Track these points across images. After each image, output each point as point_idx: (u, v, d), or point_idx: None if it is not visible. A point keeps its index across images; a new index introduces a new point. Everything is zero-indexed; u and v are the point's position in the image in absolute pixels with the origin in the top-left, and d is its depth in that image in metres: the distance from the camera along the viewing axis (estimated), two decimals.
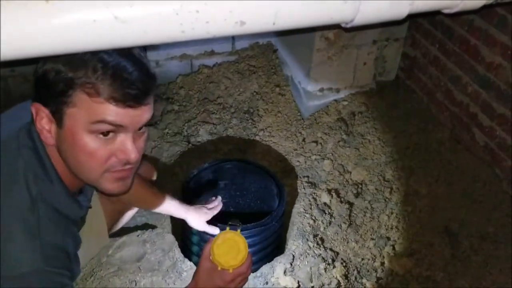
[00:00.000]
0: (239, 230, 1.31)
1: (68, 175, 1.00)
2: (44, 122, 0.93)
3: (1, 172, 0.93)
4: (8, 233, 0.90)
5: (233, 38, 2.60)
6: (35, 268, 0.90)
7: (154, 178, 1.71)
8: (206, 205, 1.69)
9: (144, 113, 0.92)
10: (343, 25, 1.11)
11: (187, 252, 1.80)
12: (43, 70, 0.89)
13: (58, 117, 0.91)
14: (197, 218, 1.62)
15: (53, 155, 0.97)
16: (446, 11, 1.23)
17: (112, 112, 0.87)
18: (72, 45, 0.84)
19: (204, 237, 1.68)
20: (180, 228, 1.86)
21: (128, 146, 0.92)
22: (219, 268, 1.23)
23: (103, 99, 0.86)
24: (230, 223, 1.65)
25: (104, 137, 0.90)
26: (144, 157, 1.79)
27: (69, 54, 0.86)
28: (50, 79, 0.88)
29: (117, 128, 0.90)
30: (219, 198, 1.74)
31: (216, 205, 1.69)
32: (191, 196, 1.83)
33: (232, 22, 0.93)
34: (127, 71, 0.87)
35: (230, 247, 1.26)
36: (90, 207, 1.20)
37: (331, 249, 1.84)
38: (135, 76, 0.88)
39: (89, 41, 0.85)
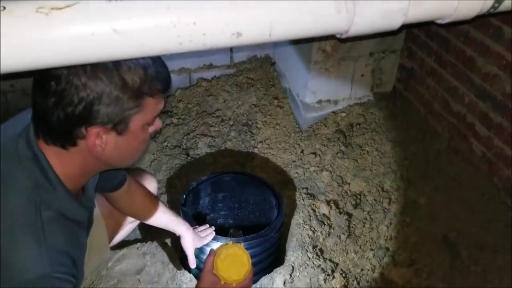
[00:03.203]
0: (242, 244, 1.32)
1: (72, 178, 1.01)
2: (98, 140, 0.94)
3: (4, 176, 0.94)
4: (13, 240, 0.90)
5: (231, 51, 2.62)
6: (42, 274, 0.90)
7: (155, 189, 1.72)
8: (200, 231, 1.68)
9: None
10: (338, 36, 1.12)
11: (186, 264, 1.80)
12: (95, 96, 0.88)
13: (121, 127, 0.94)
14: (191, 242, 1.62)
15: (56, 161, 0.97)
16: (439, 21, 1.24)
17: (164, 99, 1.02)
18: (71, 57, 0.85)
19: (204, 250, 1.68)
20: (179, 240, 1.86)
21: (159, 119, 1.06)
22: (222, 282, 1.24)
23: (162, 93, 0.98)
24: (231, 232, 1.65)
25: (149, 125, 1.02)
26: (144, 170, 1.81)
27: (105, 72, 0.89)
28: (112, 101, 0.90)
29: None
30: (212, 228, 1.72)
31: (207, 234, 1.68)
32: (190, 209, 1.83)
33: (228, 34, 0.94)
34: (160, 64, 0.97)
35: (234, 262, 1.28)
36: (94, 206, 1.21)
37: (330, 260, 1.84)
38: (163, 67, 0.99)
39: (87, 53, 0.86)
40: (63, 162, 0.98)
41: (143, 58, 0.93)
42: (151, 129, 1.03)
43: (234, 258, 1.28)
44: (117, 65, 0.90)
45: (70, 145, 0.95)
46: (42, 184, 0.96)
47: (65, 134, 0.93)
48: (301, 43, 2.32)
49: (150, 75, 0.93)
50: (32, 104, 0.95)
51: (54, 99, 0.89)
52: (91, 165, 1.02)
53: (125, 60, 0.91)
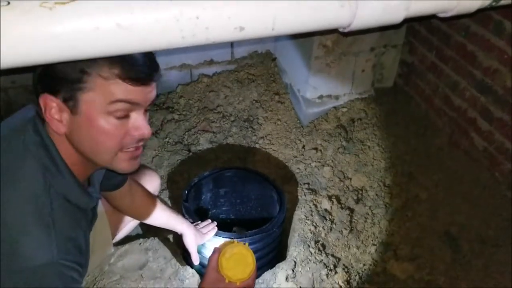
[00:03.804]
0: (247, 244, 1.32)
1: (77, 167, 1.01)
2: (54, 112, 0.94)
3: (10, 166, 0.94)
4: (23, 226, 0.91)
5: (232, 47, 2.62)
6: (50, 261, 0.91)
7: (158, 186, 1.72)
8: (201, 227, 1.69)
9: (153, 89, 0.99)
10: (340, 29, 1.12)
11: (189, 260, 1.80)
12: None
13: (71, 104, 0.93)
14: (193, 239, 1.62)
15: (62, 147, 0.98)
16: (441, 15, 1.24)
17: (128, 90, 0.93)
18: (75, 52, 0.86)
19: (206, 245, 1.69)
20: (181, 236, 1.86)
21: (142, 123, 0.98)
22: (226, 281, 1.25)
23: (119, 79, 0.91)
24: (234, 229, 1.66)
25: (119, 120, 0.95)
26: (146, 167, 1.81)
27: None
28: (61, 69, 0.90)
29: (132, 106, 0.96)
30: (214, 224, 1.72)
31: (209, 230, 1.69)
32: (192, 204, 1.84)
33: (231, 28, 0.95)
34: (139, 53, 0.94)
35: (239, 261, 1.28)
36: (100, 198, 1.21)
37: (332, 255, 1.85)
38: (142, 57, 0.95)
39: (91, 48, 0.86)
40: (65, 149, 0.99)
41: None
42: (134, 132, 0.98)
43: (239, 257, 1.29)
44: None
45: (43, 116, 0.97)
46: (50, 168, 0.96)
47: (37, 103, 0.96)
48: (302, 38, 2.32)
49: (116, 57, 0.91)
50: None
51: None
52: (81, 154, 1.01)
53: None
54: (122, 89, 0.92)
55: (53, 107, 0.94)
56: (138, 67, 0.93)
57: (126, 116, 0.96)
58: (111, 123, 0.94)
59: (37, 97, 0.95)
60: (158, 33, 0.90)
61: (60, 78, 0.91)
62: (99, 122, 0.94)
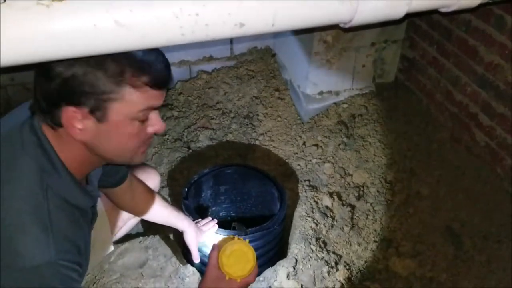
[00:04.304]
0: (247, 241, 1.32)
1: (76, 166, 1.00)
2: (77, 123, 0.93)
3: (7, 166, 0.93)
4: (21, 225, 0.90)
5: (231, 43, 2.61)
6: (48, 261, 0.90)
7: (158, 183, 1.72)
8: (202, 225, 1.68)
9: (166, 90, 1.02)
10: (341, 25, 1.11)
11: (189, 258, 1.79)
12: (73, 73, 0.88)
13: (99, 114, 0.93)
14: (194, 237, 1.62)
15: (60, 147, 0.97)
16: (443, 10, 1.23)
17: (154, 96, 0.96)
18: (73, 49, 0.84)
19: (207, 243, 1.68)
20: (182, 234, 1.85)
21: (160, 121, 1.03)
22: (227, 278, 1.24)
23: (147, 87, 0.93)
24: (234, 225, 1.64)
25: (141, 122, 0.98)
26: (146, 164, 1.80)
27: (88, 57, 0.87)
28: (89, 81, 0.89)
29: (156, 109, 1.00)
30: (214, 221, 1.72)
31: (210, 228, 1.68)
32: (192, 202, 1.83)
33: (231, 24, 0.93)
34: (156, 60, 0.95)
35: (239, 258, 1.27)
36: (99, 196, 1.21)
37: (334, 252, 1.84)
38: (161, 62, 0.96)
39: (89, 45, 0.85)
40: (61, 147, 0.98)
41: (144, 51, 0.92)
42: (150, 129, 1.01)
43: (240, 254, 1.28)
44: None
45: (56, 124, 0.95)
46: (47, 169, 0.95)
47: (49, 111, 0.93)
48: (302, 34, 2.31)
49: (137, 65, 0.91)
50: (34, 88, 0.96)
51: (38, 74, 0.91)
52: (87, 155, 1.01)
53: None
54: (149, 96, 0.95)
55: (76, 118, 0.93)
56: (162, 73, 0.96)
57: (147, 118, 1.00)
58: (135, 126, 0.98)
59: (49, 107, 0.93)
60: (157, 30, 0.89)
61: (88, 91, 0.90)
62: (127, 128, 0.97)
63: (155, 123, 1.02)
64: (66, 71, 0.88)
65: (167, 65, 0.98)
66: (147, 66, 0.93)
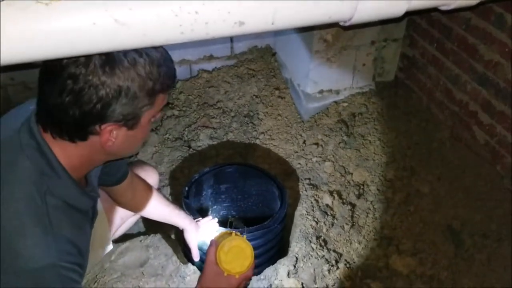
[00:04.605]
0: (245, 236, 1.32)
1: (76, 168, 1.01)
2: (111, 136, 0.95)
3: (6, 170, 0.93)
4: (21, 227, 0.90)
5: (231, 42, 2.60)
6: (49, 263, 0.90)
7: (157, 181, 1.72)
8: (202, 223, 1.68)
9: None
10: (341, 23, 1.11)
11: (190, 256, 1.80)
12: (113, 96, 0.89)
13: (132, 123, 0.96)
14: (195, 235, 1.63)
15: (59, 150, 0.97)
16: (443, 8, 1.23)
17: (168, 95, 1.02)
18: (72, 48, 0.84)
19: (207, 241, 1.68)
20: (182, 232, 1.86)
21: (160, 114, 1.06)
22: (225, 274, 1.24)
23: (169, 89, 1.00)
24: (231, 220, 1.64)
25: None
26: (145, 163, 1.81)
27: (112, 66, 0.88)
28: (130, 100, 0.91)
29: None
30: (215, 220, 1.72)
31: (210, 226, 1.69)
32: (192, 201, 1.83)
33: (231, 23, 0.94)
34: (168, 61, 0.97)
35: (237, 254, 1.27)
36: (99, 196, 1.21)
37: (334, 251, 1.84)
38: (171, 62, 0.99)
39: (88, 44, 0.85)
40: (68, 154, 0.97)
41: (154, 52, 0.93)
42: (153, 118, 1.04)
43: (238, 251, 1.28)
44: (133, 63, 0.89)
45: (80, 140, 0.95)
46: (46, 172, 0.95)
47: (78, 131, 0.93)
48: (302, 33, 2.31)
49: (163, 72, 0.94)
50: (41, 98, 0.94)
51: (70, 97, 0.88)
52: (96, 157, 1.02)
53: (139, 57, 0.90)
54: (167, 96, 1.01)
55: (112, 133, 0.94)
56: (175, 74, 1.00)
57: None
58: (150, 123, 1.02)
59: (81, 128, 0.93)
60: (157, 29, 0.89)
61: (129, 109, 0.92)
62: (148, 127, 1.02)
63: (157, 117, 1.05)
64: (107, 94, 0.88)
65: (173, 61, 1.01)
66: (167, 69, 0.96)
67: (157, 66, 0.93)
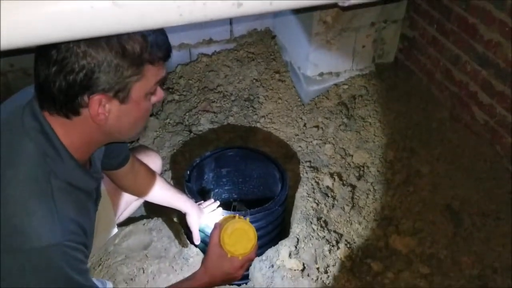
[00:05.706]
0: (248, 219, 1.33)
1: (79, 149, 1.01)
2: (102, 109, 0.94)
3: (9, 152, 0.94)
4: (26, 207, 0.91)
5: (230, 25, 2.59)
6: (55, 242, 0.91)
7: (160, 166, 1.73)
8: (204, 207, 1.70)
9: None
10: (340, 3, 1.10)
11: (192, 239, 1.81)
12: (96, 63, 0.89)
13: (122, 95, 0.95)
14: (196, 218, 1.64)
15: (62, 131, 0.98)
16: None
17: (164, 68, 1.01)
18: (71, 31, 0.84)
19: (210, 224, 1.70)
20: (184, 216, 1.87)
21: (162, 90, 1.06)
22: (228, 256, 1.26)
23: (162, 61, 0.99)
24: (234, 204, 1.65)
25: (152, 95, 1.02)
26: (148, 148, 1.82)
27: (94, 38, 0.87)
28: (114, 68, 0.90)
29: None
30: (217, 203, 1.74)
31: (213, 209, 1.70)
32: (194, 184, 1.84)
33: (229, 4, 0.93)
34: (159, 33, 0.97)
35: (240, 236, 1.29)
36: (102, 177, 1.22)
37: (335, 231, 1.86)
38: (163, 35, 0.99)
39: (87, 27, 0.85)
40: (68, 132, 0.98)
41: None
42: (154, 99, 1.03)
43: (241, 233, 1.30)
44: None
45: (73, 114, 0.95)
46: (49, 154, 0.96)
47: (68, 103, 0.93)
48: (302, 14, 2.30)
49: (150, 42, 0.93)
50: (35, 74, 0.95)
51: (55, 67, 0.89)
52: (96, 136, 1.02)
53: None
54: (161, 68, 0.99)
55: (102, 105, 0.94)
56: (167, 44, 0.99)
57: (156, 90, 1.03)
58: (149, 100, 1.02)
59: (69, 99, 0.93)
60: (155, 11, 0.89)
61: (114, 78, 0.91)
62: (145, 104, 1.00)
63: (158, 93, 1.05)
64: (89, 63, 0.88)
65: (166, 35, 1.01)
66: (156, 40, 0.95)
67: (143, 36, 0.92)
